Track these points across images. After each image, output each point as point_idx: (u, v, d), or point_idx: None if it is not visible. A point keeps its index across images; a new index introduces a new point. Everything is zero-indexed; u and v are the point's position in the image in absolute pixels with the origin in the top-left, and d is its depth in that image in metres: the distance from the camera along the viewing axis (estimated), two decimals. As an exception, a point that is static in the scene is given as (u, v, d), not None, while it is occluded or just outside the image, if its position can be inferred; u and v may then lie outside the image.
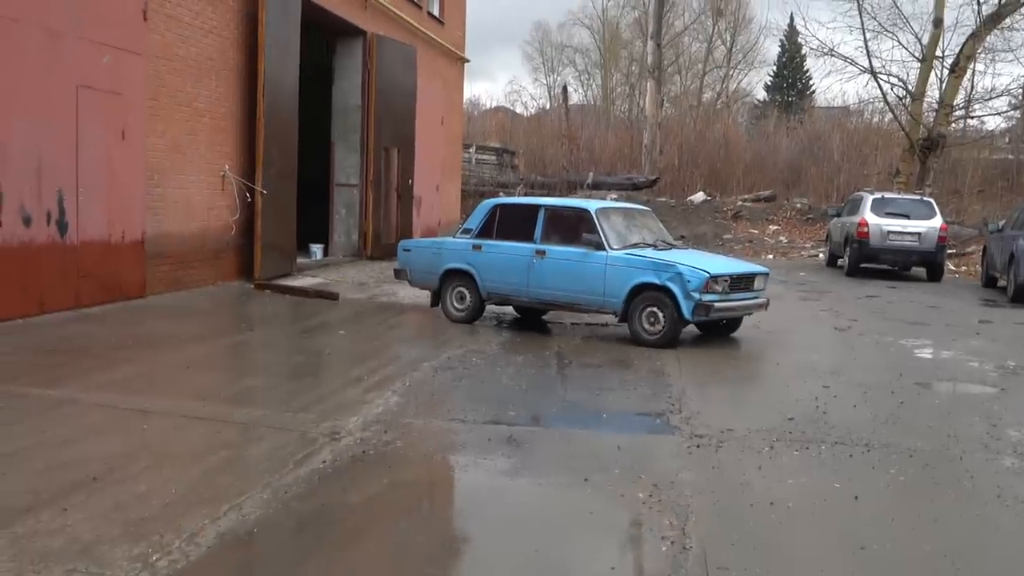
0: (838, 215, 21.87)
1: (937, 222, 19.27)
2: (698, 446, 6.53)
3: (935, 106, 27.25)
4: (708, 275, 10.16)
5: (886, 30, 27.12)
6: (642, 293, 10.42)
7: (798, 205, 30.03)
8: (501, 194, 31.52)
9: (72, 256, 10.47)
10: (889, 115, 31.66)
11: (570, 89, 52.30)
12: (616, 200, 30.19)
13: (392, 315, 12.44)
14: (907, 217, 19.32)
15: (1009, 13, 25.64)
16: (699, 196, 30.57)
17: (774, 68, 63.07)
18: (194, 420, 6.63)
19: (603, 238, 10.69)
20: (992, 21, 25.66)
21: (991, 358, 10.67)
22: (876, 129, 37.41)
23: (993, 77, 71.50)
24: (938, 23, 26.59)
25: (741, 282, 10.67)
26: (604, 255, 10.63)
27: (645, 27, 54.22)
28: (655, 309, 10.34)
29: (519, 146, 39.27)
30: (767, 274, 11.28)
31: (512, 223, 11.42)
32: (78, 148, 10.43)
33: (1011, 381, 9.41)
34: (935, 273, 19.69)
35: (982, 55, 26.98)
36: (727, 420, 7.26)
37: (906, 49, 27.30)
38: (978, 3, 25.71)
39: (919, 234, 19.15)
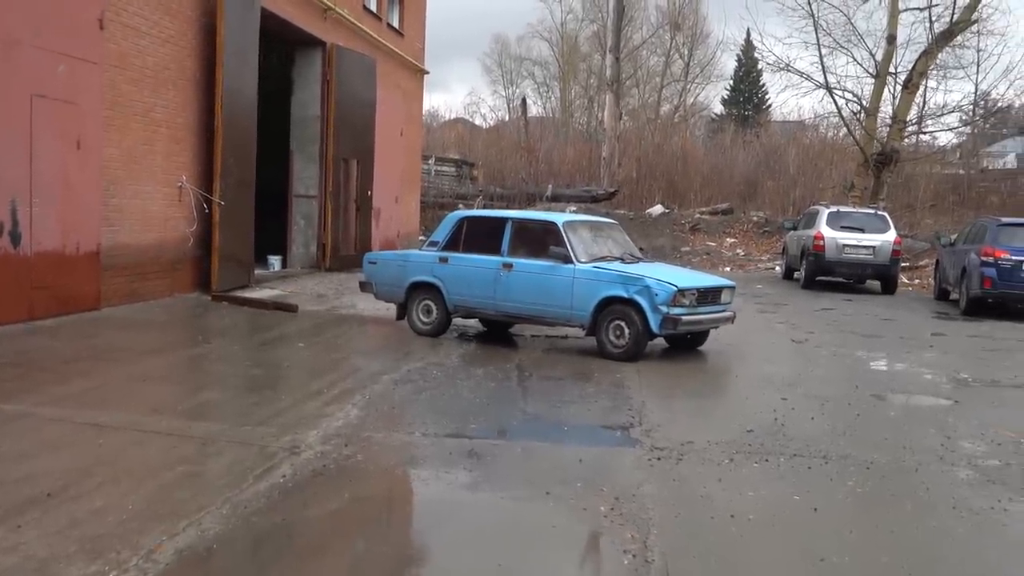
0: (794, 228, 22.10)
1: (891, 236, 19.53)
2: (659, 459, 6.55)
3: (889, 121, 27.65)
4: (676, 288, 10.15)
5: (841, 46, 27.54)
6: (609, 306, 10.39)
7: (755, 218, 30.32)
8: (460, 206, 31.52)
9: (25, 267, 10.31)
10: (843, 130, 32.11)
11: (529, 101, 52.57)
12: (575, 212, 30.36)
13: (352, 327, 12.38)
14: (862, 231, 19.57)
15: (960, 31, 26.12)
16: (657, 208, 30.75)
17: (731, 82, 63.78)
18: (151, 434, 6.54)
19: (570, 251, 10.64)
20: (944, 38, 26.12)
21: (944, 370, 10.82)
22: (830, 143, 37.90)
23: (945, 94, 72.70)
24: (891, 40, 27.01)
25: (708, 295, 10.67)
26: (571, 268, 10.58)
27: (604, 40, 54.64)
28: (622, 322, 10.31)
29: (478, 158, 39.27)
30: (734, 287, 11.31)
31: (479, 236, 11.35)
32: (32, 158, 10.29)
33: (964, 393, 9.54)
34: (889, 286, 19.95)
35: (934, 72, 27.48)
36: (687, 433, 7.30)
37: (860, 65, 27.72)
38: (930, 21, 26.22)
39: (874, 247, 19.40)
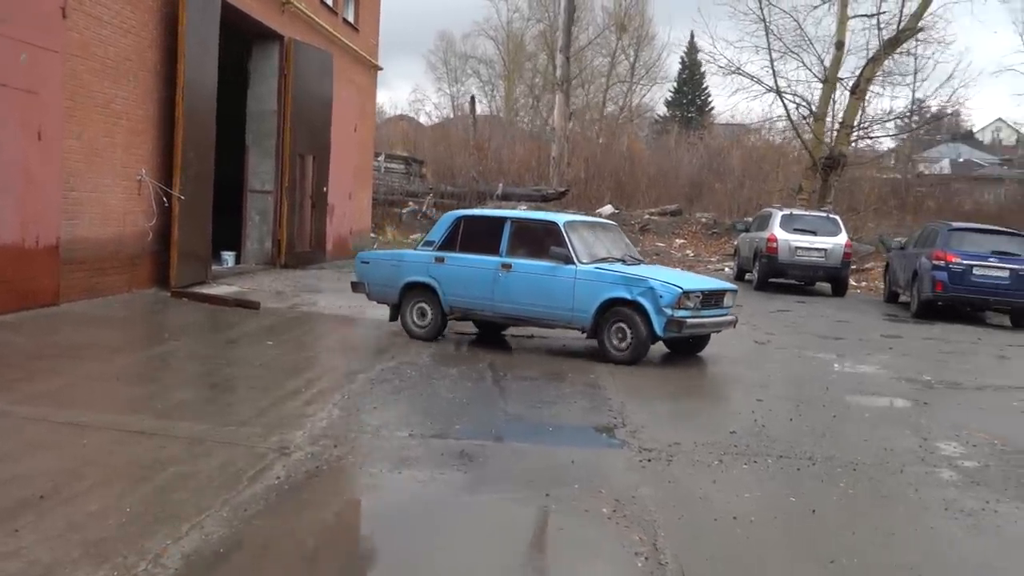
0: (746, 230, 22.34)
1: (843, 239, 19.84)
2: (649, 460, 6.57)
3: (836, 126, 28.12)
4: (681, 290, 9.99)
5: (791, 51, 27.93)
6: (612, 308, 10.19)
7: (703, 220, 30.63)
8: (410, 204, 31.45)
9: (-16, 261, 10.01)
10: (788, 133, 32.53)
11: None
12: (526, 211, 30.38)
13: (317, 325, 12.24)
14: (814, 233, 19.85)
15: (906, 39, 26.64)
16: (607, 209, 30.90)
17: (674, 84, 64.39)
18: (134, 434, 6.39)
19: (572, 252, 10.43)
20: (891, 46, 26.62)
21: (906, 372, 11.00)
22: (775, 147, 38.42)
23: (891, 100, 74.27)
24: (840, 46, 27.48)
25: (712, 298, 10.53)
26: (573, 269, 10.37)
27: (550, 40, 54.82)
28: (624, 325, 10.13)
29: (424, 155, 39.13)
30: (736, 291, 11.19)
31: (476, 236, 11.09)
32: (-8, 148, 10.00)
33: (930, 395, 9.72)
34: (840, 288, 20.25)
35: (880, 78, 27.97)
36: (672, 434, 7.33)
37: (810, 70, 28.13)
38: (878, 28, 26.71)
39: (825, 250, 19.69)
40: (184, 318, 11.91)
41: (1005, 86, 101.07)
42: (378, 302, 11.92)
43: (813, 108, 28.26)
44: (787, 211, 20.81)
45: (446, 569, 4.58)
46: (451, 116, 58.96)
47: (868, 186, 32.90)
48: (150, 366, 9.13)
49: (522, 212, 12.70)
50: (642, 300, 9.99)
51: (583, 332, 10.54)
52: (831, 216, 20.66)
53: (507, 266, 10.70)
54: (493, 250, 10.83)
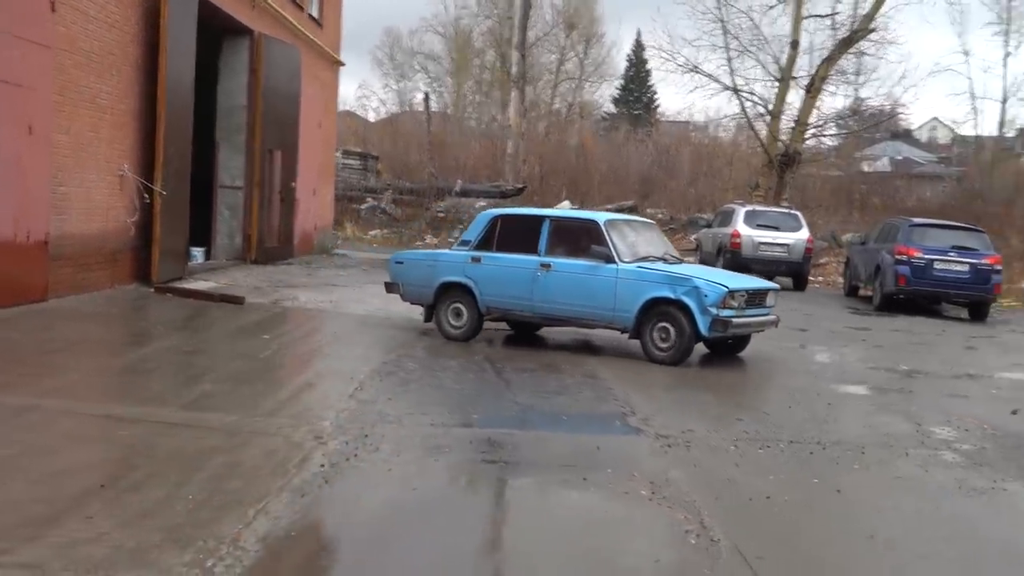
0: (708, 226, 22.77)
1: (804, 234, 20.34)
2: (670, 446, 6.81)
3: (792, 124, 28.70)
4: (727, 289, 9.89)
5: (747, 50, 28.45)
6: (655, 308, 10.09)
7: (659, 216, 31.03)
8: (369, 200, 31.45)
9: (-24, 256, 9.95)
10: (740, 130, 33.14)
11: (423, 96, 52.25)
12: (486, 207, 30.53)
13: (305, 320, 12.32)
14: (777, 229, 20.32)
15: (859, 39, 27.29)
16: (565, 205, 31.12)
17: (622, 82, 64.96)
18: (169, 426, 6.47)
19: (613, 250, 10.31)
20: (844, 45, 27.28)
21: (883, 362, 11.41)
22: (726, 144, 39.01)
23: (844, 99, 75.72)
24: (795, 45, 28.10)
25: (756, 297, 10.45)
26: (615, 268, 10.24)
27: (499, 36, 55.04)
28: (668, 325, 10.01)
29: (375, 152, 39.01)
30: (778, 290, 11.16)
31: (514, 235, 10.97)
32: (-16, 143, 9.93)
33: (911, 384, 10.13)
34: (801, 283, 20.74)
35: (834, 77, 28.62)
36: (681, 421, 7.58)
37: (766, 69, 28.67)
38: (833, 28, 27.36)
39: (788, 245, 20.16)
40: (173, 313, 11.91)
41: (942, 85, 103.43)
42: (411, 303, 11.74)
43: (769, 106, 28.86)
44: (750, 207, 21.27)
45: (520, 553, 4.78)
46: (398, 112, 58.82)
47: (820, 183, 33.58)
48: (157, 360, 9.14)
49: (560, 211, 12.56)
50: (686, 299, 9.87)
51: (624, 332, 10.42)
52: (792, 212, 21.17)
53: (546, 265, 10.56)
54: (531, 249, 10.71)
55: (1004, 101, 48.05)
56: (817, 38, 29.28)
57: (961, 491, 6.06)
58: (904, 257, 16.64)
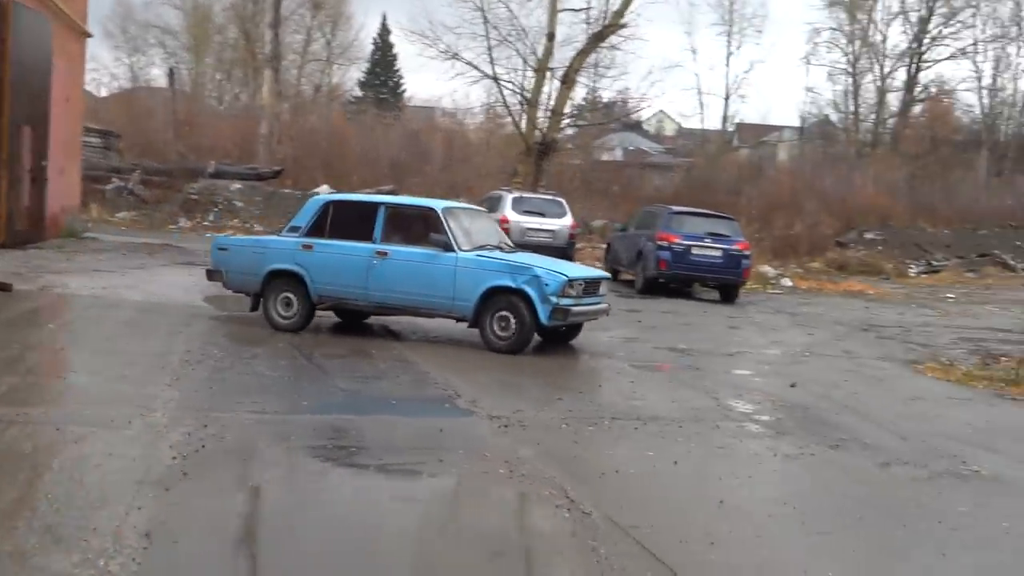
0: (477, 212, 23.17)
1: (568, 220, 21.15)
2: (506, 426, 7.03)
3: (549, 113, 29.69)
4: (567, 278, 10.00)
5: (507, 40, 29.13)
6: (494, 297, 10.08)
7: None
8: (115, 180, 29.74)
9: None
10: (486, 118, 33.93)
11: (160, 72, 49.94)
12: (242, 190, 29.62)
13: (84, 308, 11.56)
14: (543, 215, 21.00)
15: (610, 33, 28.60)
16: (325, 188, 30.69)
17: (367, 65, 64.68)
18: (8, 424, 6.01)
19: (452, 239, 10.26)
20: (596, 39, 28.51)
21: (663, 342, 12.20)
22: (476, 131, 39.79)
23: (597, 91, 78.78)
24: (551, 37, 29.04)
25: (591, 286, 10.65)
26: (454, 257, 10.19)
27: (243, 13, 53.42)
28: (508, 314, 10.01)
29: (111, 128, 36.86)
30: (610, 278, 11.26)
31: (347, 221, 10.70)
32: None
33: (696, 361, 10.83)
34: (564, 267, 21.53)
35: (588, 69, 29.87)
36: (507, 403, 7.80)
37: (523, 59, 29.49)
38: (587, 22, 28.53)
39: (553, 231, 20.88)
40: (-67, 301, 10.92)
41: (672, 80, 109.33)
42: (237, 291, 11.30)
43: (527, 95, 29.70)
44: (517, 194, 21.84)
45: (397, 529, 4.85)
46: (131, 88, 55.81)
47: (571, 171, 34.93)
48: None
49: (395, 198, 12.28)
50: (527, 288, 9.91)
51: (464, 321, 10.38)
52: (557, 199, 21.92)
53: (383, 253, 10.41)
54: (366, 236, 10.52)
55: (727, 97, 51.84)
56: (573, 31, 30.35)
57: (777, 458, 6.67)
58: (665, 243, 17.71)
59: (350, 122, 50.54)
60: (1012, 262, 27.21)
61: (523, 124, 29.95)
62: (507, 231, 20.29)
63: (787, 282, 22.15)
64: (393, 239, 10.56)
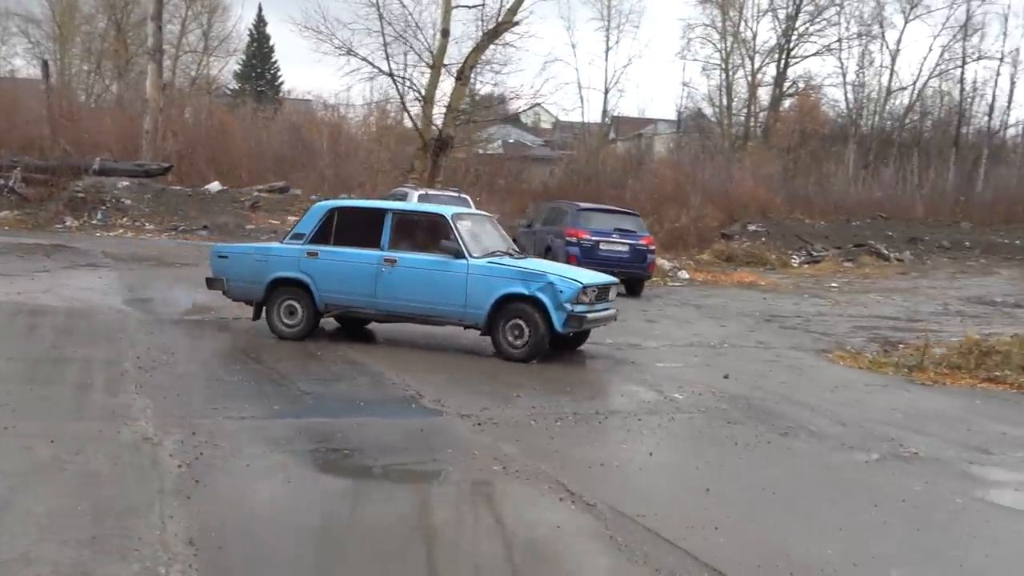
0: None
1: (473, 216, 21.46)
2: (479, 424, 7.32)
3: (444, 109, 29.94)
4: (581, 285, 9.93)
5: (401, 36, 29.20)
6: (507, 304, 9.98)
7: (312, 197, 31.04)
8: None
9: None
10: (370, 112, 33.88)
11: (23, 62, 48.06)
12: (129, 187, 28.84)
13: (11, 314, 11.26)
14: (448, 212, 21.25)
15: (504, 31, 28.99)
16: (215, 185, 30.26)
17: (243, 57, 63.54)
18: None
19: (463, 245, 10.13)
20: (491, 37, 28.86)
21: (593, 336, 12.53)
22: (361, 125, 39.68)
23: (492, 87, 79.02)
24: (445, 33, 29.28)
25: (602, 292, 10.60)
26: (465, 264, 10.07)
27: (113, 3, 51.86)
28: (521, 321, 9.91)
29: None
30: (619, 284, 11.25)
31: (353, 228, 10.59)
32: None
33: (628, 355, 11.30)
34: (469, 262, 21.85)
35: (483, 66, 30.19)
36: (470, 401, 8.06)
37: (418, 56, 29.63)
38: (482, 20, 28.86)
39: (459, 228, 21.16)
40: None
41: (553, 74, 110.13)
42: (238, 300, 11.10)
43: (423, 92, 29.86)
44: (423, 190, 22.04)
45: (433, 527, 5.12)
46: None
47: (465, 166, 35.20)
48: None
49: (402, 204, 11.98)
50: (541, 295, 9.83)
51: (476, 329, 10.28)
52: (462, 195, 22.20)
53: (391, 260, 10.28)
54: (373, 243, 10.39)
55: (606, 92, 52.95)
56: (469, 28, 30.77)
57: (739, 447, 7.14)
58: (574, 239, 18.21)
59: (232, 116, 49.74)
60: (886, 251, 28.73)
61: (419, 120, 30.09)
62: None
63: (684, 275, 22.94)
64: (401, 246, 10.44)
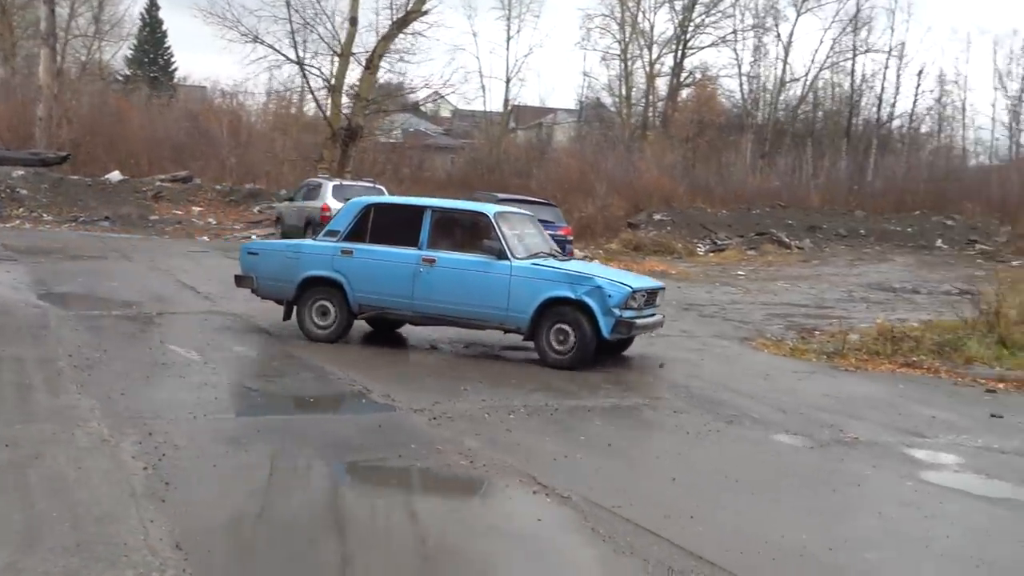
0: (291, 199, 23.02)
1: (387, 205, 21.38)
2: (435, 418, 7.34)
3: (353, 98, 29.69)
4: (631, 289, 9.54)
5: (309, 24, 28.82)
6: (552, 308, 9.58)
7: (218, 187, 30.49)
8: None
9: None
10: (270, 99, 33.43)
11: None
12: (25, 177, 27.83)
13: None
14: (361, 201, 21.14)
15: (413, 19, 28.88)
16: (116, 175, 29.45)
17: (135, 42, 61.80)
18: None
19: (505, 246, 9.76)
20: (400, 25, 28.71)
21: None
22: (274, 115, 39.04)
23: (400, 76, 78.30)
24: (354, 22, 29.01)
25: (651, 297, 10.20)
26: (508, 265, 9.69)
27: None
28: (566, 326, 9.51)
29: None
30: (665, 289, 11.01)
31: (390, 225, 10.22)
32: None
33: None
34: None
35: (391, 55, 30.01)
36: (420, 396, 7.97)
37: (326, 44, 29.28)
38: (391, 9, 28.68)
39: (375, 219, 21.07)
40: None
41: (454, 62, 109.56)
42: (267, 298, 10.72)
43: (332, 81, 29.53)
44: (336, 181, 21.90)
45: (422, 523, 5.15)
46: None
47: (373, 155, 34.97)
48: None
49: (441, 201, 11.45)
50: (588, 300, 9.42)
51: (519, 333, 9.88)
52: (377, 186, 22.08)
53: (430, 260, 9.91)
54: (412, 242, 10.03)
55: (508, 81, 53.11)
56: (377, 17, 30.53)
57: (691, 435, 7.34)
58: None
59: (127, 102, 48.30)
60: (787, 240, 29.55)
61: (327, 109, 29.77)
62: (328, 219, 20.35)
63: (596, 264, 23.22)
64: (440, 245, 10.06)
